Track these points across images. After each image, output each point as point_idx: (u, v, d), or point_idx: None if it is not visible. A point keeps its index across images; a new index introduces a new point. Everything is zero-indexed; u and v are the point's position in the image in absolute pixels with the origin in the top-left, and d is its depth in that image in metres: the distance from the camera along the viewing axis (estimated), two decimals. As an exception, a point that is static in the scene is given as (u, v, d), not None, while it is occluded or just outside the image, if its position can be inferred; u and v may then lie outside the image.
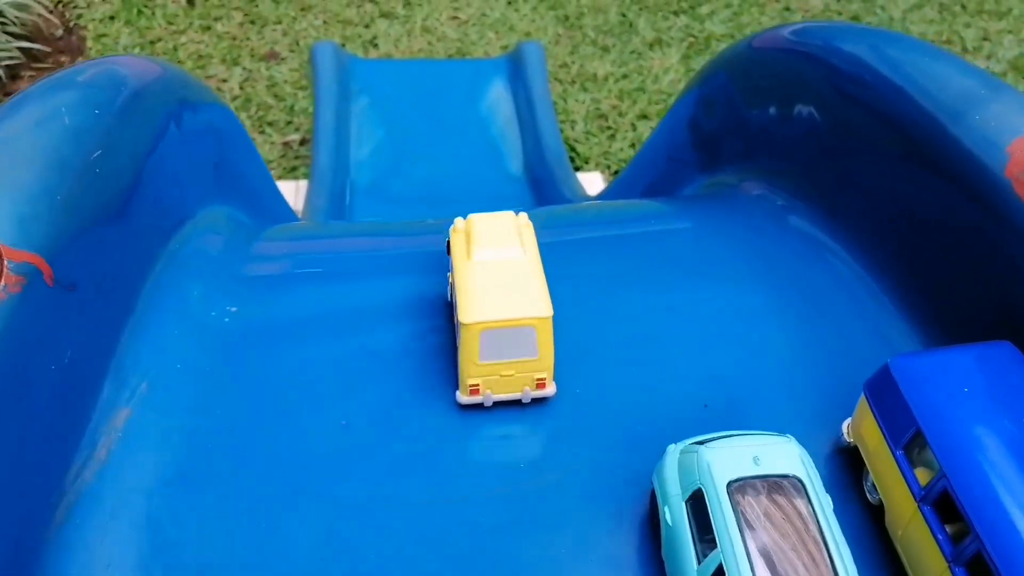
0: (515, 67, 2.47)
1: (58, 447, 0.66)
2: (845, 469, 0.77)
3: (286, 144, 2.66)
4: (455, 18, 3.35)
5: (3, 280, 0.58)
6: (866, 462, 0.75)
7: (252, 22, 3.24)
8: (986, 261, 0.79)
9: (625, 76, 3.07)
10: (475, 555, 0.70)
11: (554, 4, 3.45)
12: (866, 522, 0.74)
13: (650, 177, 1.46)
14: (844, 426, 0.79)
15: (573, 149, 2.70)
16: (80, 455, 0.68)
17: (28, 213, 0.63)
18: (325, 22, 3.28)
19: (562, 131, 2.72)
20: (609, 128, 2.82)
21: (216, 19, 3.25)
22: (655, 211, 1.19)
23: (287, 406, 0.78)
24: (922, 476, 0.68)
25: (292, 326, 0.88)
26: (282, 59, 3.05)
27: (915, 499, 0.67)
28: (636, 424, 0.79)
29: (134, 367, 0.76)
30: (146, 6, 3.30)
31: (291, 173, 2.55)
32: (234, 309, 0.85)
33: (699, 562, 0.64)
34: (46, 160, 0.67)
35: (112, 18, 3.21)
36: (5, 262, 0.59)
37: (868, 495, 0.76)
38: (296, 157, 2.61)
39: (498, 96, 2.44)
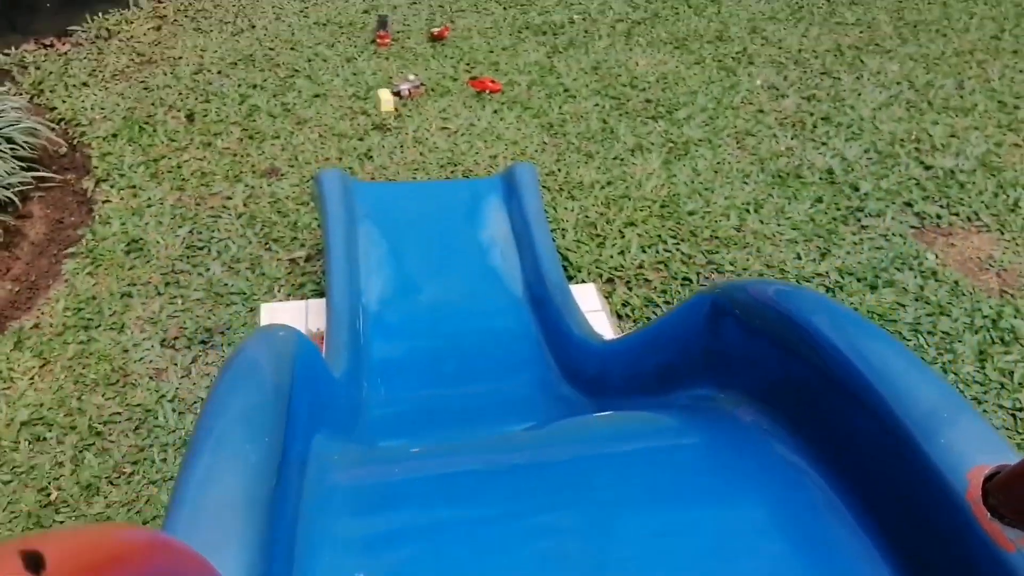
0: (510, 187, 2.70)
1: None
2: None
3: (292, 261, 2.86)
4: (444, 128, 3.60)
5: None
6: None
7: (251, 137, 3.48)
8: (951, 559, 0.97)
9: (610, 183, 3.33)
10: None
11: (537, 113, 3.72)
12: None
13: (656, 360, 1.64)
14: None
15: (566, 258, 2.93)
16: None
17: (248, 559, 0.83)
18: (320, 135, 3.52)
19: (554, 239, 2.96)
20: (598, 236, 3.06)
21: (216, 135, 3.48)
22: (661, 427, 1.37)
23: None
24: None
25: None
26: (282, 175, 3.28)
27: None
28: None
29: None
30: (147, 123, 3.53)
31: (299, 290, 2.75)
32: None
33: None
34: (248, 504, 0.87)
35: (115, 136, 3.44)
36: None
37: None
38: (303, 274, 2.82)
39: (495, 216, 2.67)
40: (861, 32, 4.46)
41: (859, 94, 3.92)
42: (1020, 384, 2.50)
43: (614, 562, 1.04)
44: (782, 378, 1.25)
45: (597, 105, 3.80)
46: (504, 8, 4.51)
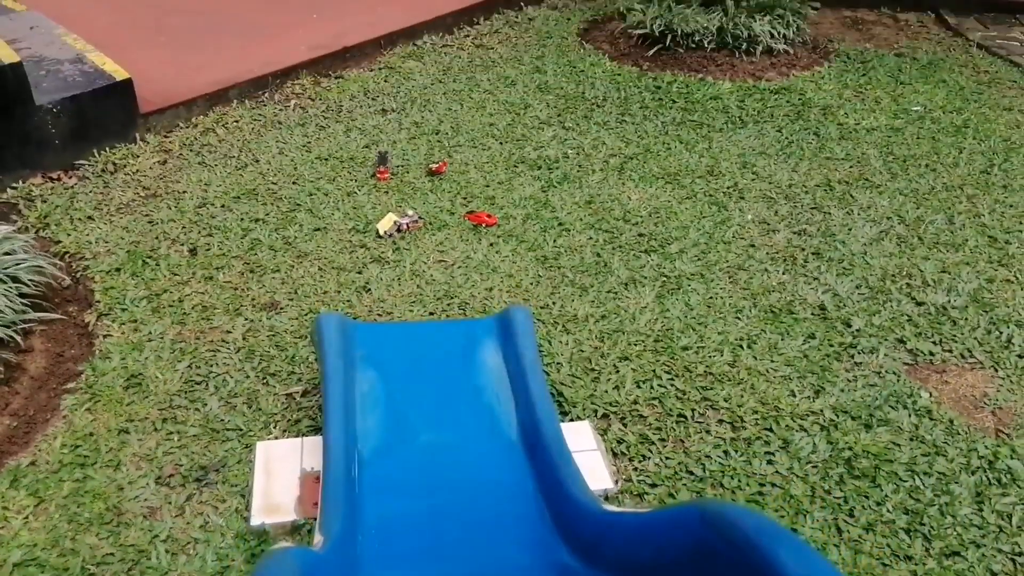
0: (505, 330, 2.80)
1: None
2: None
3: (289, 396, 2.94)
4: (441, 261, 3.73)
5: None
6: None
7: (252, 271, 3.60)
8: None
9: (604, 316, 3.43)
10: None
11: (532, 246, 3.86)
12: None
13: (647, 552, 1.81)
14: None
15: (560, 394, 3.00)
16: None
17: None
18: (320, 268, 3.64)
19: (548, 375, 3.05)
20: (592, 370, 3.14)
21: (217, 268, 3.61)
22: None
23: None
24: None
25: None
26: (281, 308, 3.38)
27: None
28: None
29: None
30: (150, 257, 3.66)
31: (295, 426, 2.81)
32: None
33: None
34: None
35: (118, 269, 3.56)
36: None
37: None
38: (299, 409, 2.89)
39: (490, 358, 2.77)
40: (851, 167, 4.66)
41: (850, 229, 4.07)
42: (1019, 527, 2.55)
43: None
44: None
45: (591, 239, 3.95)
46: (500, 143, 4.72)
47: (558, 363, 3.18)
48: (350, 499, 2.17)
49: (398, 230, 3.88)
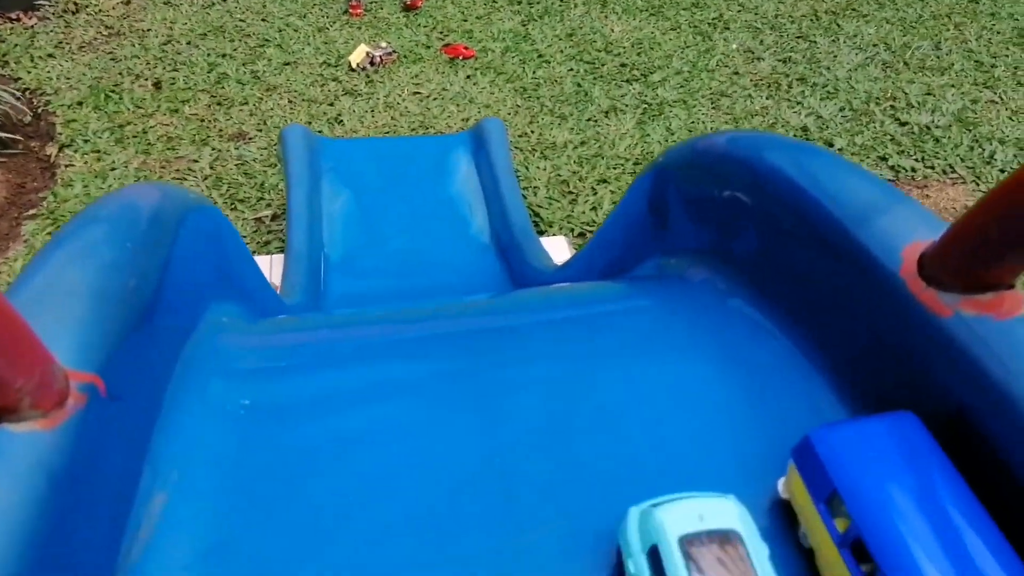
0: (478, 141, 2.69)
1: (113, 532, 0.83)
2: (782, 520, 0.95)
3: (258, 220, 2.85)
4: (416, 93, 3.59)
5: (72, 398, 0.76)
6: (798, 514, 0.94)
7: (219, 104, 3.46)
8: (894, 344, 0.98)
9: (583, 143, 3.32)
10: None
11: (511, 77, 3.71)
12: (802, 564, 0.92)
13: (607, 258, 1.66)
14: (779, 484, 0.97)
15: (537, 214, 2.92)
16: (128, 537, 0.84)
17: (84, 340, 0.81)
18: (290, 101, 3.50)
19: (525, 197, 2.95)
20: (571, 193, 3.05)
21: (183, 102, 3.46)
22: (614, 293, 1.38)
23: (303, 479, 0.95)
24: (840, 525, 0.87)
25: (300, 408, 1.05)
26: (250, 139, 3.26)
27: (835, 541, 0.86)
28: (603, 488, 0.95)
29: (165, 458, 0.93)
30: (113, 91, 3.51)
31: (264, 248, 2.73)
32: (247, 402, 1.03)
33: None
34: (92, 293, 0.85)
35: (80, 104, 3.42)
36: (72, 383, 0.77)
37: (801, 541, 0.95)
38: (268, 232, 2.80)
39: (463, 170, 2.66)
40: (838, -2, 4.47)
41: (835, 56, 3.92)
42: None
43: (546, 413, 1.03)
44: (730, 231, 1.26)
45: (571, 70, 3.79)
46: (478, -21, 4.51)
47: (535, 187, 3.08)
48: (314, 280, 2.11)
49: (371, 63, 3.72)
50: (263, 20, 4.06)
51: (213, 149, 3.17)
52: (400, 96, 3.56)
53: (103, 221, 0.97)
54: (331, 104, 3.49)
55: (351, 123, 3.37)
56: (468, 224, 2.50)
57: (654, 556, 0.85)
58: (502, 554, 0.90)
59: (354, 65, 3.68)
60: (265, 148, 3.21)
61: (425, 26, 4.05)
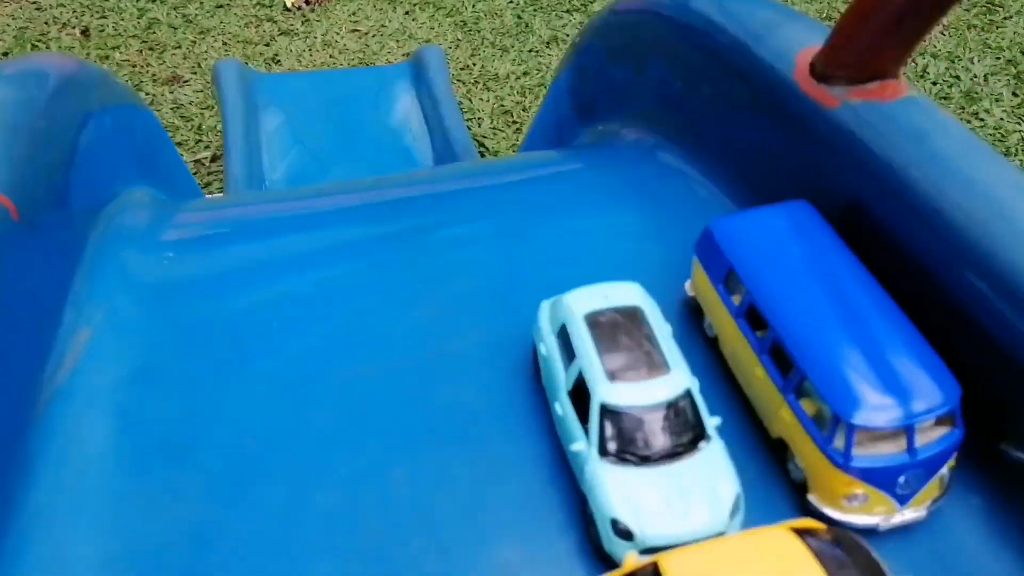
0: (417, 71, 2.66)
1: (34, 355, 0.83)
2: (689, 317, 1.06)
3: (197, 162, 2.80)
4: (355, 31, 3.53)
5: None
6: (702, 306, 1.00)
7: (151, 49, 3.38)
8: (795, 147, 1.03)
9: (526, 73, 3.29)
10: (399, 398, 0.97)
11: (450, 11, 3.66)
12: (707, 351, 1.03)
13: (543, 142, 1.67)
14: (686, 285, 1.04)
15: (482, 144, 2.90)
16: (51, 365, 0.85)
17: None
18: (225, 43, 3.43)
19: (469, 128, 2.92)
20: (515, 123, 3.03)
21: (113, 48, 3.37)
22: (546, 160, 1.40)
23: (227, 307, 0.96)
24: (736, 300, 0.94)
25: (226, 259, 1.06)
26: (185, 82, 3.19)
27: (733, 316, 0.91)
28: (523, 305, 1.04)
29: (89, 298, 0.93)
30: (40, 40, 3.40)
31: (206, 189, 2.69)
32: (171, 254, 1.03)
33: (566, 375, 0.87)
34: (2, 123, 0.84)
35: (6, 55, 3.31)
36: None
37: (707, 331, 1.00)
38: (209, 173, 2.75)
39: (403, 100, 2.63)
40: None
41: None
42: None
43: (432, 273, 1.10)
44: (652, 85, 1.32)
45: (511, 2, 3.76)
46: (413, -86, 4.41)
47: (479, 118, 3.06)
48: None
49: (307, 2, 3.65)
50: (192, -38, 3.94)
51: (147, 94, 3.10)
52: (338, 34, 3.49)
53: (19, 71, 0.97)
54: (267, 44, 3.42)
55: (288, 63, 3.31)
56: (410, 152, 2.48)
57: (563, 335, 0.92)
58: (429, 359, 1.01)
59: (289, 5, 3.61)
60: (201, 90, 3.15)
61: (361, -37, 3.96)
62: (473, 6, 3.72)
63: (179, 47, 3.41)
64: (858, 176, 0.97)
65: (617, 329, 0.88)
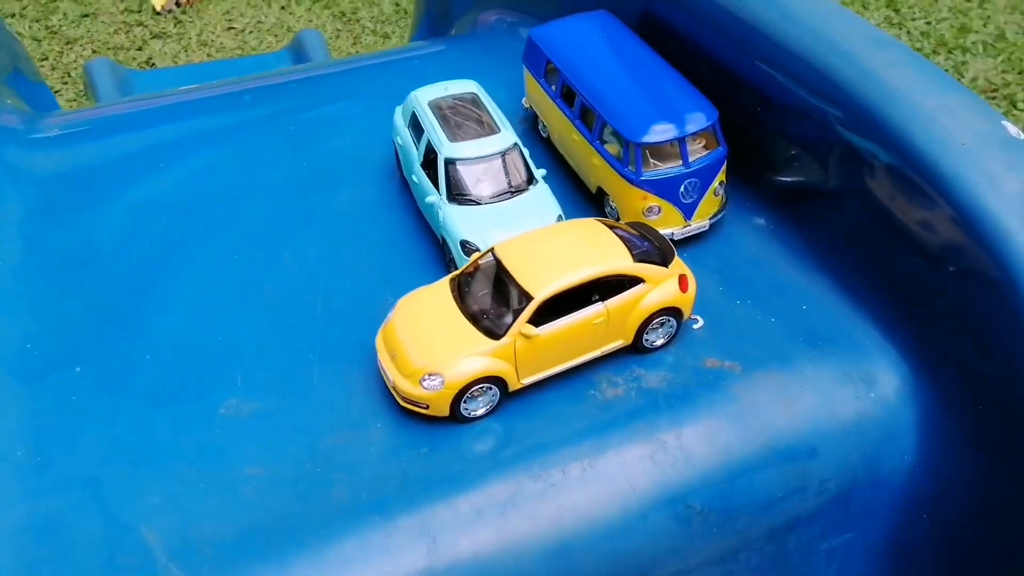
0: (297, 55, 3.03)
1: None
2: (529, 126, 1.44)
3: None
4: (231, 28, 3.93)
5: None
6: (536, 111, 1.45)
7: (17, 61, 3.71)
8: None
9: (409, 54, 3.71)
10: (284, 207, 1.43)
11: (328, 3, 4.09)
12: (543, 149, 1.45)
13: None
14: (523, 101, 1.46)
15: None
16: None
17: None
18: (94, 51, 3.79)
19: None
20: (400, 98, 3.43)
21: (-23, 64, 3.69)
22: (411, 47, 1.85)
23: (118, 160, 1.43)
24: (554, 87, 1.37)
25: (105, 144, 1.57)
26: (56, 91, 3.53)
27: (553, 100, 1.33)
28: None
29: None
30: None
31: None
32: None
33: (418, 151, 1.28)
34: None
35: None
36: None
37: (541, 133, 1.43)
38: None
39: None
40: None
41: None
42: None
43: None
44: None
45: (389, -11, 4.17)
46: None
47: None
48: None
49: (177, 4, 4.04)
50: (51, -24, 4.30)
51: (18, 101, 3.42)
52: (213, 33, 3.88)
53: None
54: (139, 49, 3.79)
55: (164, 65, 3.67)
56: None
57: (413, 122, 1.37)
58: (306, 179, 1.50)
59: (158, 8, 3.98)
60: (74, 100, 3.50)
61: (230, -35, 4.37)
62: (351, -4, 4.16)
63: (46, 58, 3.75)
64: None
65: (456, 108, 1.30)
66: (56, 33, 3.91)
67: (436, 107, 1.31)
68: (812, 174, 1.28)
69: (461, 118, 1.29)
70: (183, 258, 1.41)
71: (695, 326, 1.22)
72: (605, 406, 1.14)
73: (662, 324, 1.18)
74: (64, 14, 4.03)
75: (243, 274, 1.39)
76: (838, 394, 1.17)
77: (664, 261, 1.17)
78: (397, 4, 4.09)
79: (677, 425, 1.12)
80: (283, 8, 4.07)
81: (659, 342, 1.20)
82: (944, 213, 1.07)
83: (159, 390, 1.23)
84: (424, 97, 1.35)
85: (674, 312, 1.18)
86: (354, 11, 4.06)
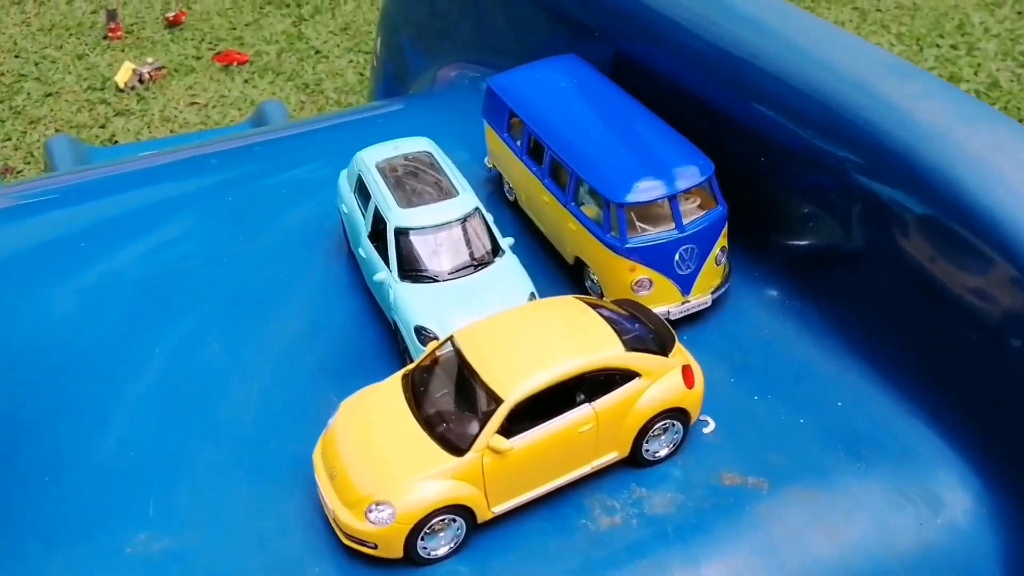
0: (259, 125, 2.77)
1: None
2: (494, 190, 1.22)
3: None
4: (194, 103, 3.65)
5: None
6: (500, 169, 1.17)
7: (-22, 143, 3.41)
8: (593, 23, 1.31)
9: (373, 121, 3.45)
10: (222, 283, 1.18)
11: (291, 76, 3.83)
12: (509, 212, 1.20)
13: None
14: (485, 161, 1.19)
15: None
16: None
17: None
18: (57, 130, 3.51)
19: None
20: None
21: (-62, 146, 3.40)
22: (372, 106, 1.63)
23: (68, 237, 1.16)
24: (519, 143, 1.08)
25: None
26: (19, 172, 3.24)
27: (519, 157, 1.05)
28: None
29: None
30: None
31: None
32: None
33: (365, 220, 0.99)
34: None
35: None
36: None
37: (508, 196, 1.14)
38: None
39: None
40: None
41: None
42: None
43: None
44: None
45: (351, 61, 3.96)
46: (245, -10, 4.62)
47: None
48: None
49: (140, 81, 3.77)
50: (16, 57, 4.07)
51: (-24, 183, 3.12)
52: (176, 109, 3.61)
53: None
54: (103, 127, 3.52)
55: (127, 141, 3.39)
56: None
57: (360, 187, 1.08)
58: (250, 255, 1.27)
59: (122, 85, 3.71)
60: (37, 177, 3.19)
61: (192, 39, 4.15)
62: (313, 68, 3.90)
63: (8, 139, 3.46)
64: (620, 29, 1.16)
65: (407, 170, 1.01)
66: (20, 113, 3.62)
67: (385, 169, 1.02)
68: (830, 234, 0.98)
69: (414, 181, 1.00)
70: (93, 356, 1.14)
71: (705, 430, 0.92)
72: (600, 539, 0.83)
73: (665, 429, 0.88)
74: (28, 94, 3.75)
75: (164, 372, 1.10)
76: (895, 519, 0.86)
77: (663, 348, 0.88)
78: (361, 74, 3.84)
79: (692, 563, 0.81)
80: (246, 82, 3.81)
81: (663, 452, 0.90)
82: (1004, 274, 0.79)
83: (58, 523, 0.94)
84: (371, 158, 1.05)
85: (679, 414, 0.88)
86: (318, 82, 3.81)
